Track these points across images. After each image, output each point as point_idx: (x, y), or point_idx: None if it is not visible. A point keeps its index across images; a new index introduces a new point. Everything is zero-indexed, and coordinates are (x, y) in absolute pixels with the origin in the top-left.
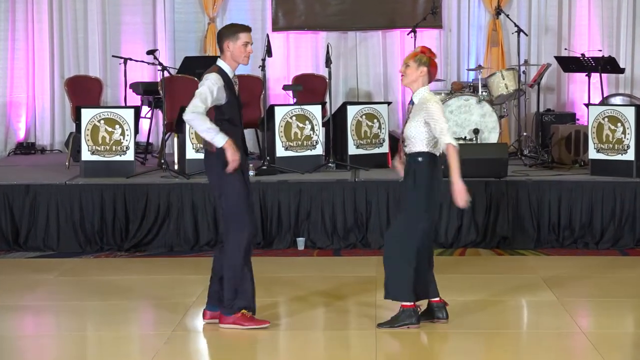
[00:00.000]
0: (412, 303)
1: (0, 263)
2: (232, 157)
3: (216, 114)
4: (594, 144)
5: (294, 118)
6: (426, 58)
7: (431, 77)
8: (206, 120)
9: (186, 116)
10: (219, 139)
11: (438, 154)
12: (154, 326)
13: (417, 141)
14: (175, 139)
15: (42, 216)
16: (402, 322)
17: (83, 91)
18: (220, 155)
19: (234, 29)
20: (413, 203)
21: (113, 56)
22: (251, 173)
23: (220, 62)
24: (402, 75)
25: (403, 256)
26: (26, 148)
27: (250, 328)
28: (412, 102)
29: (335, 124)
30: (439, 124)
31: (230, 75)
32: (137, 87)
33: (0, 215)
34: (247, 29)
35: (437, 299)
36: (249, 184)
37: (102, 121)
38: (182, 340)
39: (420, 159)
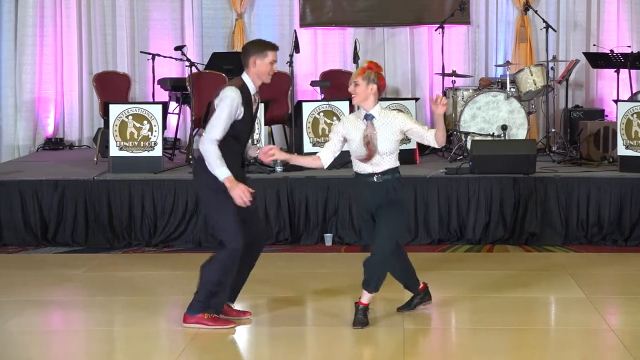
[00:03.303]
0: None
1: (29, 258)
2: (233, 194)
3: (229, 130)
4: (623, 140)
5: (321, 114)
6: (374, 74)
7: (380, 91)
8: (216, 149)
9: (202, 146)
10: (223, 172)
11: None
12: (181, 322)
13: (392, 156)
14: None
15: (70, 212)
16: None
17: (111, 87)
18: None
19: (262, 46)
20: (400, 219)
21: (141, 52)
22: (279, 169)
23: (245, 77)
24: (353, 96)
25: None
26: (55, 144)
27: (215, 328)
28: (368, 117)
29: None
30: (416, 125)
31: (252, 92)
32: (165, 83)
33: (29, 210)
34: (275, 47)
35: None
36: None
37: (130, 117)
38: (210, 336)
39: (397, 175)
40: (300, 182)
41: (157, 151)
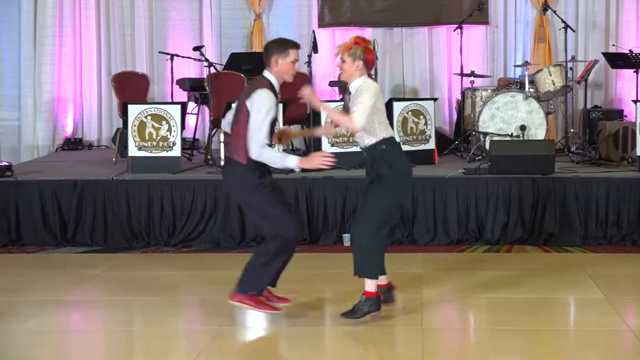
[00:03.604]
0: (374, 291)
1: (48, 258)
2: (314, 163)
3: None
4: None
5: None
6: (360, 50)
7: (368, 65)
8: (272, 151)
9: (257, 154)
10: (292, 159)
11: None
12: (201, 322)
13: (367, 132)
14: (222, 135)
15: (89, 212)
16: (363, 311)
17: (130, 87)
18: (249, 170)
19: (284, 45)
20: (378, 201)
21: (160, 52)
22: (297, 169)
23: (268, 76)
24: (340, 72)
25: (372, 237)
26: (74, 144)
27: (260, 310)
28: (349, 93)
29: None
30: (360, 105)
31: (277, 90)
32: (183, 83)
33: (48, 210)
34: (297, 45)
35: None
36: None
37: (149, 117)
38: (229, 336)
39: (383, 146)
40: (319, 182)
41: (176, 151)
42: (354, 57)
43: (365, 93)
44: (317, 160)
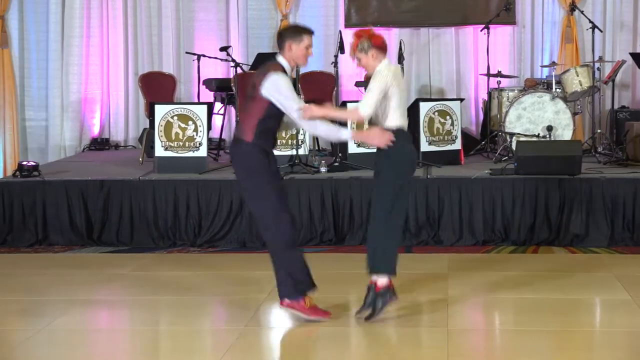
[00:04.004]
0: (389, 281)
1: (75, 258)
2: (378, 139)
3: (269, 109)
4: None
5: None
6: (366, 41)
7: (381, 47)
8: (321, 122)
9: (304, 124)
10: (345, 134)
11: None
12: (226, 321)
13: (380, 117)
14: None
15: (115, 211)
16: (382, 307)
17: (157, 87)
18: (257, 152)
19: (298, 31)
20: (385, 193)
21: (186, 53)
22: (323, 169)
23: (282, 60)
24: (363, 69)
25: (388, 228)
26: (100, 144)
27: (310, 319)
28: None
29: (408, 121)
30: (369, 92)
31: (289, 74)
32: (210, 83)
33: (74, 210)
34: (310, 31)
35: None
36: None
37: (175, 117)
38: (255, 336)
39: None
40: (345, 182)
41: (202, 151)
42: (365, 49)
43: (376, 78)
44: (375, 136)
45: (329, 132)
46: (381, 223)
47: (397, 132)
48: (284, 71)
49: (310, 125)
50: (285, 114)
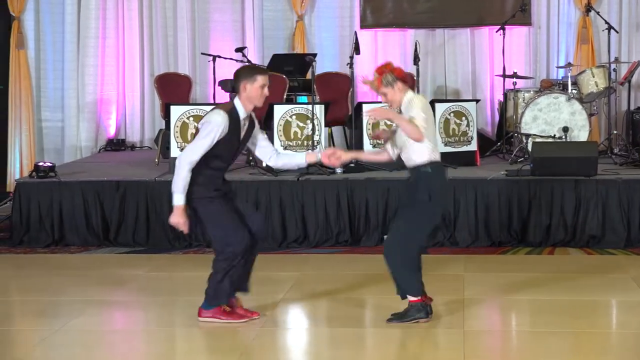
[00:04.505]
0: (420, 297)
1: (91, 258)
2: (172, 220)
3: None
4: None
5: None
6: (389, 75)
7: (404, 79)
8: (186, 175)
9: (178, 162)
10: (178, 199)
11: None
12: (243, 322)
13: (410, 151)
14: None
15: (131, 212)
16: (412, 316)
17: (172, 88)
18: (199, 191)
19: (252, 71)
20: (423, 215)
21: (202, 54)
22: (339, 170)
23: (236, 102)
24: (389, 106)
25: (405, 259)
26: (116, 145)
27: (227, 322)
28: (400, 112)
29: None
30: (417, 118)
31: (242, 116)
32: (225, 84)
33: (91, 211)
34: (265, 71)
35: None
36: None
37: (191, 118)
38: (271, 336)
39: (429, 169)
40: (360, 183)
41: None
42: (390, 83)
43: (414, 106)
44: (175, 221)
45: (176, 184)
46: (401, 252)
47: (437, 165)
48: (231, 111)
49: (178, 166)
50: (235, 156)
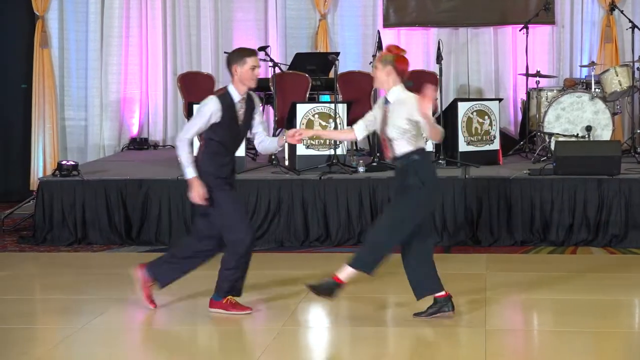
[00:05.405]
0: (444, 292)
1: (113, 257)
2: (193, 194)
3: (207, 132)
4: None
5: None
6: (391, 56)
7: (401, 73)
8: (186, 150)
9: (177, 144)
10: (188, 172)
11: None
12: (264, 321)
13: (402, 141)
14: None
15: (154, 211)
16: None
17: (195, 87)
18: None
19: (241, 54)
20: (402, 208)
21: (225, 53)
22: (361, 169)
23: (229, 87)
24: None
25: (388, 242)
26: (139, 143)
27: (232, 314)
28: (386, 102)
29: (446, 121)
30: (428, 117)
31: (237, 99)
32: None
33: (113, 209)
34: (253, 52)
35: (442, 292)
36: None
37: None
38: (292, 336)
39: (416, 156)
40: (382, 182)
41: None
42: (384, 62)
43: (413, 106)
44: (194, 193)
45: (182, 162)
46: (386, 236)
47: (424, 151)
48: (224, 97)
49: (177, 147)
50: (238, 142)
